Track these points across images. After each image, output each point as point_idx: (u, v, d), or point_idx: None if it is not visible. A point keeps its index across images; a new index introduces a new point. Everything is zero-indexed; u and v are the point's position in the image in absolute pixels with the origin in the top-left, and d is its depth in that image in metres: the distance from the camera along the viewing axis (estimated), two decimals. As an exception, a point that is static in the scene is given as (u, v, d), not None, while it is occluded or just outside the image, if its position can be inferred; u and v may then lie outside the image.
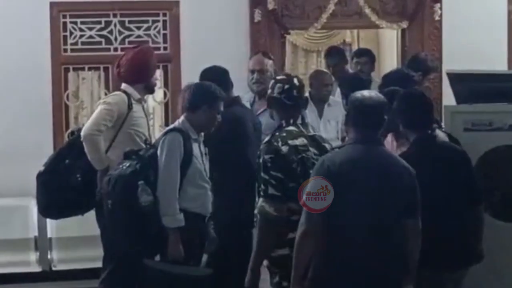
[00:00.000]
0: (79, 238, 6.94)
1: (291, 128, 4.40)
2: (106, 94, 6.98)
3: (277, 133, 4.39)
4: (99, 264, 5.81)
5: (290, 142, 4.31)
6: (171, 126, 5.16)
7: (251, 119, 5.70)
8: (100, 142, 5.56)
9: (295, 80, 4.51)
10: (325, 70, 7.26)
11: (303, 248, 3.94)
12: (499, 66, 7.84)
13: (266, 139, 4.45)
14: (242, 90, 6.35)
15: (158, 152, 4.99)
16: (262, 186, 4.28)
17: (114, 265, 5.58)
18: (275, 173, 4.25)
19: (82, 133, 5.55)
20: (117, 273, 5.57)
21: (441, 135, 4.95)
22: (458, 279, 4.66)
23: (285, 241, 4.23)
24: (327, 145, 4.47)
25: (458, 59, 6.48)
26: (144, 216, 4.90)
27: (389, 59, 9.69)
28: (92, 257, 6.35)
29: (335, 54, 8.23)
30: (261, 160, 4.34)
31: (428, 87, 7.33)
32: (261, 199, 4.29)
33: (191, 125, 5.09)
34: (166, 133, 5.06)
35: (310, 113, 6.45)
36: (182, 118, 5.13)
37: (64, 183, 5.63)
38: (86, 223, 5.95)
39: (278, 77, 4.64)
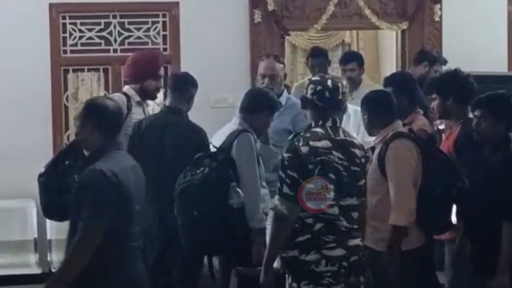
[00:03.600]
0: (78, 240, 6.92)
1: (317, 129, 4.31)
2: (105, 95, 6.97)
3: (301, 133, 4.33)
4: (99, 266, 5.79)
5: (311, 143, 4.23)
6: (233, 127, 5.07)
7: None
8: None
9: (329, 82, 4.40)
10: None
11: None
12: (499, 67, 7.85)
13: (290, 137, 4.42)
14: (240, 91, 6.33)
15: (234, 154, 4.92)
16: (278, 184, 4.25)
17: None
18: (291, 173, 4.19)
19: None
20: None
21: None
22: None
23: (295, 243, 4.19)
24: (357, 151, 4.34)
25: (458, 60, 6.46)
26: (232, 218, 4.83)
27: (389, 60, 9.67)
28: (92, 259, 6.34)
29: (319, 55, 7.83)
30: (280, 158, 4.33)
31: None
32: (276, 197, 4.28)
33: (249, 126, 5.07)
34: (236, 136, 4.98)
35: None
36: (238, 119, 5.07)
37: (63, 184, 5.61)
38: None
39: (313, 78, 4.57)
